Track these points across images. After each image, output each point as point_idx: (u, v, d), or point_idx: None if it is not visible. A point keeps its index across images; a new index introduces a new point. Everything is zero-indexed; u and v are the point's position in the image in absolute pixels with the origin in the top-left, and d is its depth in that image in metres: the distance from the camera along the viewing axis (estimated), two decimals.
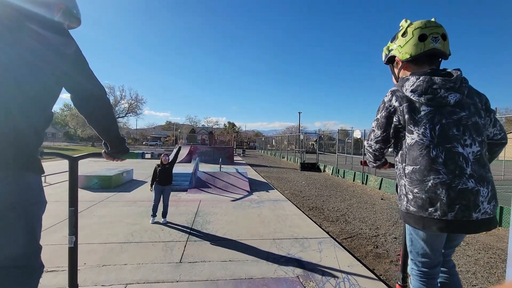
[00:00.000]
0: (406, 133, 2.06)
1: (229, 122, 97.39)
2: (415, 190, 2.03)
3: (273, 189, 12.12)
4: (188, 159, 23.26)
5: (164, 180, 7.11)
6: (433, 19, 2.09)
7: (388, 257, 5.71)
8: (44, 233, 5.91)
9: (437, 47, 2.03)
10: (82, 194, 10.07)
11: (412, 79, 2.01)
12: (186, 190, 10.85)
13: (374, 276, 4.76)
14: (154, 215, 6.96)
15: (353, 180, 15.86)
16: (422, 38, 2.05)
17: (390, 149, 2.34)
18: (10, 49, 1.66)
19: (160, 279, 4.49)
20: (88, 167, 16.72)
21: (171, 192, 10.40)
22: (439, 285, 2.31)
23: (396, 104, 2.05)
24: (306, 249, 5.66)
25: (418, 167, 2.01)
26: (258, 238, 6.19)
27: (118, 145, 2.25)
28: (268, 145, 50.56)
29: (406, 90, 2.02)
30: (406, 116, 2.02)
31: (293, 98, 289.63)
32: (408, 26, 2.11)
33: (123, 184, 12.01)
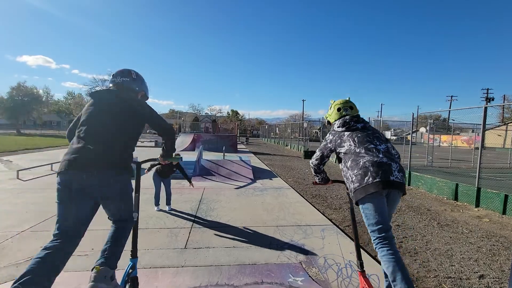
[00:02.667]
0: (340, 149, 3.54)
1: (232, 110, 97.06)
2: (355, 171, 3.33)
3: (277, 176, 12.22)
4: (191, 147, 23.34)
5: (165, 173, 7.13)
6: (347, 98, 3.82)
7: None
8: None
9: (347, 113, 3.70)
10: None
11: (337, 122, 3.69)
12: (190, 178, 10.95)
13: (376, 263, 4.86)
14: (157, 203, 7.06)
15: None
16: (339, 110, 3.74)
17: (341, 167, 3.58)
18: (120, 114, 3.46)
19: (165, 264, 4.61)
20: None
21: (175, 180, 10.50)
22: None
23: (331, 137, 3.66)
24: (309, 236, 5.76)
25: (352, 158, 3.38)
26: (262, 225, 6.30)
27: (171, 152, 3.71)
28: (272, 133, 50.54)
29: (336, 127, 3.67)
30: (338, 141, 3.58)
31: (297, 86, 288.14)
32: (333, 104, 3.84)
33: None
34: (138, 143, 28.28)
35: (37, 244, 5.07)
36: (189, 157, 13.62)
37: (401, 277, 2.99)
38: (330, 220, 6.87)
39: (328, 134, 3.72)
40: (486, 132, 27.72)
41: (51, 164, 12.51)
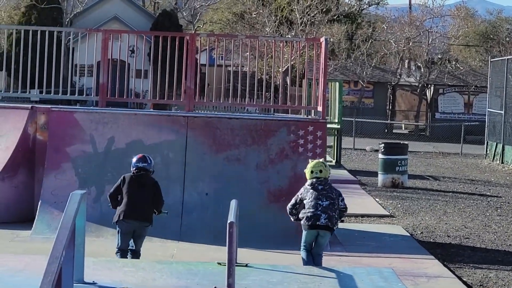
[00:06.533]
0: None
1: None
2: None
3: None
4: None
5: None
6: (321, 160, 10.56)
7: None
8: None
9: (317, 176, 9.86)
10: None
11: (308, 182, 9.97)
12: None
13: None
14: None
15: None
16: (311, 172, 9.99)
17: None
18: None
19: None
20: None
21: None
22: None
23: (302, 190, 9.97)
24: None
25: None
26: None
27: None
28: None
29: (303, 187, 10.04)
30: (303, 192, 9.92)
31: None
32: (308, 166, 10.25)
33: None
34: None
35: None
36: None
37: None
38: None
39: (301, 189, 9.77)
40: None
41: None
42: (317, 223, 9.17)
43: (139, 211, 9.63)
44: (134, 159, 9.97)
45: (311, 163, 9.85)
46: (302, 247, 9.55)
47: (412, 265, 11.69)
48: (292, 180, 13.06)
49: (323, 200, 9.35)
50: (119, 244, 9.68)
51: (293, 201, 9.63)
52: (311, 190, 9.38)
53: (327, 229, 9.40)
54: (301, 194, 9.52)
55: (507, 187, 26.80)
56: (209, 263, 9.05)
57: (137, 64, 23.35)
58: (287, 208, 9.74)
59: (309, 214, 9.22)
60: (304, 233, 9.53)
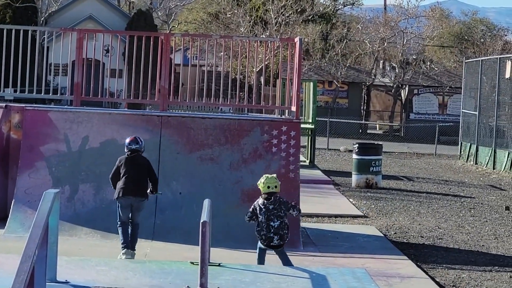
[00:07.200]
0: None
1: None
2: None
3: None
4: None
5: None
6: (274, 175, 10.71)
7: None
8: None
9: (273, 191, 10.38)
10: None
11: (260, 201, 10.45)
12: None
13: None
14: None
15: None
16: (267, 187, 10.39)
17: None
18: None
19: None
20: None
21: None
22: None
23: (256, 206, 10.47)
24: None
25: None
26: None
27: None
28: None
29: (257, 202, 10.49)
30: (257, 209, 10.49)
31: None
32: (261, 181, 10.56)
33: None
34: None
35: None
36: None
37: None
38: None
39: (255, 203, 10.27)
40: None
41: None
42: (271, 244, 10.04)
43: (136, 187, 10.85)
44: (127, 141, 11.11)
45: (267, 179, 10.28)
46: (258, 249, 10.37)
47: (385, 266, 11.66)
48: None
49: (275, 220, 10.02)
50: (120, 217, 10.90)
51: (249, 213, 10.30)
52: (264, 210, 10.00)
53: (280, 247, 10.19)
54: (255, 210, 10.17)
55: (480, 188, 26.76)
56: (182, 263, 8.93)
57: (112, 63, 23.26)
58: (245, 219, 10.43)
59: (263, 236, 9.99)
60: (259, 244, 10.24)
